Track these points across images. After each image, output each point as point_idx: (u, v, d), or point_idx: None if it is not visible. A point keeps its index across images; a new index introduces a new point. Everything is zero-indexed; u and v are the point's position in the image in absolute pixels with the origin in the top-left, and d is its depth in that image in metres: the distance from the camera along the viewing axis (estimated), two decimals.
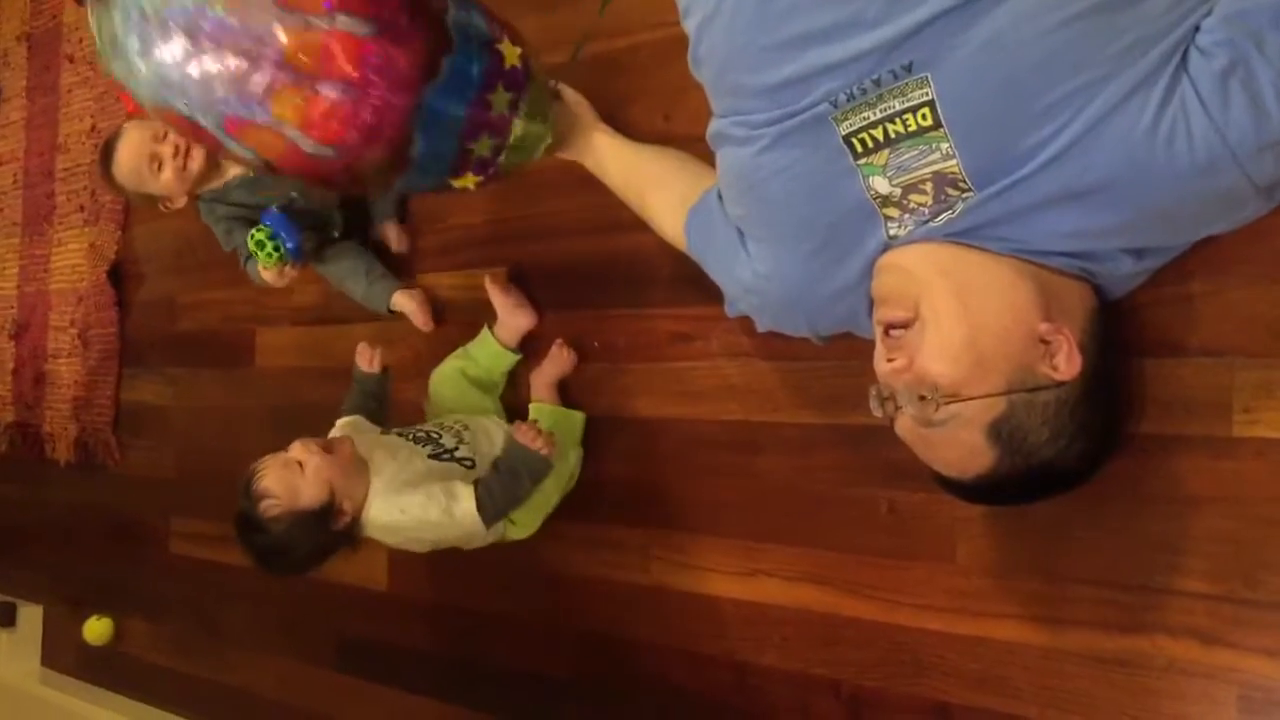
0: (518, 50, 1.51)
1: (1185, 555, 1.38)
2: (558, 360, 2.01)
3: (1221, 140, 1.09)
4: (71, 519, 3.31)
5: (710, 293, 1.65)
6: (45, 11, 3.54)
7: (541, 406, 1.99)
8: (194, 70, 1.29)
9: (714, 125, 1.44)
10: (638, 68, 1.93)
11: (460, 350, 2.12)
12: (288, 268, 2.16)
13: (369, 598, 2.40)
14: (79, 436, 3.23)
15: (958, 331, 1.23)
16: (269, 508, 1.75)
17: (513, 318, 2.06)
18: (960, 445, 1.25)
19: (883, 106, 1.22)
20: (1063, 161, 1.16)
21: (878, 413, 1.31)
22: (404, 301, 2.24)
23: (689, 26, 1.42)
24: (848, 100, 1.24)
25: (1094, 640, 1.45)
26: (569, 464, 1.97)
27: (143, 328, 3.10)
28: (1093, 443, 1.28)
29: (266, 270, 2.16)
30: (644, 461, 1.94)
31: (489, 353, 2.07)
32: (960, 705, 1.57)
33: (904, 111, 1.22)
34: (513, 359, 2.08)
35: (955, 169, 1.22)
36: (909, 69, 1.19)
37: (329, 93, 1.33)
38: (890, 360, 1.28)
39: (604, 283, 2.01)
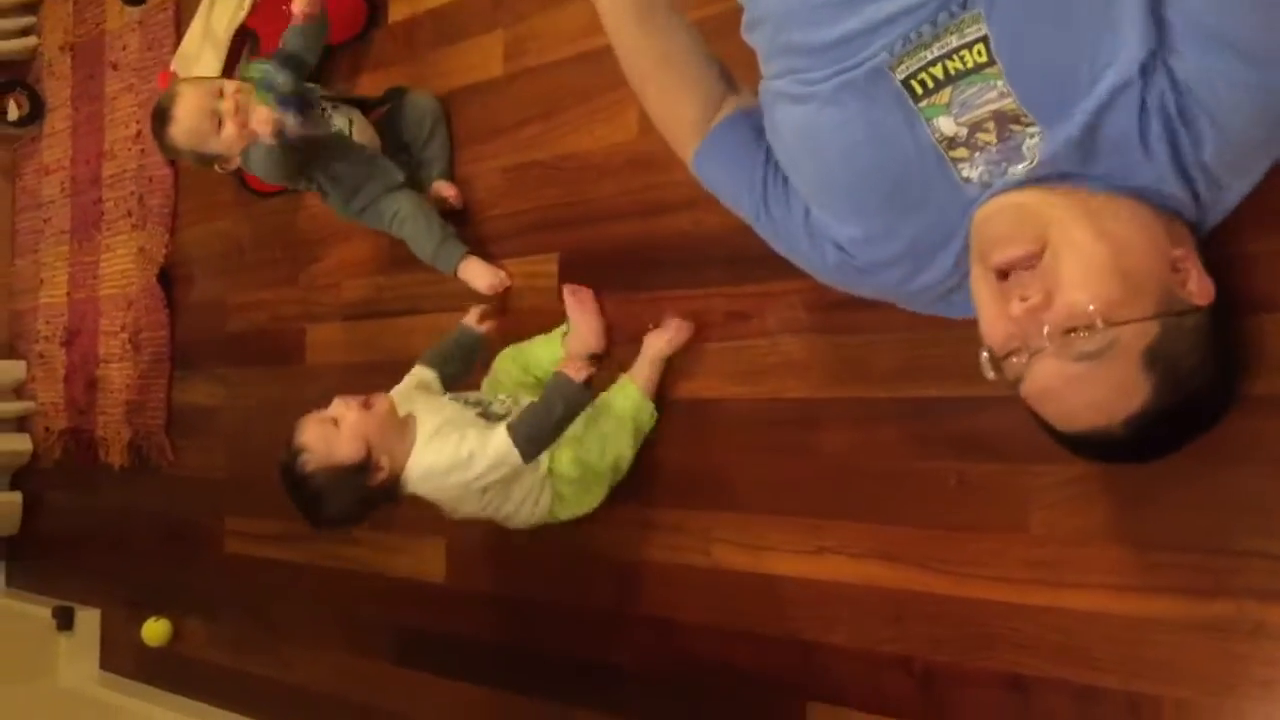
0: None
1: (1274, 517, 1.34)
2: (673, 330, 1.94)
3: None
4: (126, 522, 3.33)
5: (766, 269, 1.63)
6: (88, 20, 3.57)
7: (626, 383, 1.95)
8: None
9: (767, 87, 1.41)
10: None
11: (525, 344, 2.11)
12: (274, 110, 2.16)
13: (427, 590, 2.39)
14: (132, 440, 3.25)
15: (1100, 251, 1.17)
16: (305, 462, 1.80)
17: (586, 332, 2.03)
18: (1113, 381, 1.18)
19: (939, 44, 1.21)
20: (1126, 95, 1.13)
21: (991, 374, 1.24)
22: (476, 268, 2.21)
23: None
24: (904, 46, 1.22)
25: (1177, 607, 1.41)
26: (627, 450, 1.95)
27: (193, 329, 3.11)
28: (1231, 376, 1.27)
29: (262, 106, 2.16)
30: (703, 443, 1.92)
31: (553, 354, 2.06)
32: (1037, 677, 1.53)
33: (960, 48, 1.20)
34: None
35: (1013, 106, 1.20)
36: (964, 5, 1.18)
37: None
38: (1024, 299, 1.19)
39: (657, 265, 1.99)
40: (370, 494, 1.84)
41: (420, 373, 2.05)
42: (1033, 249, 1.19)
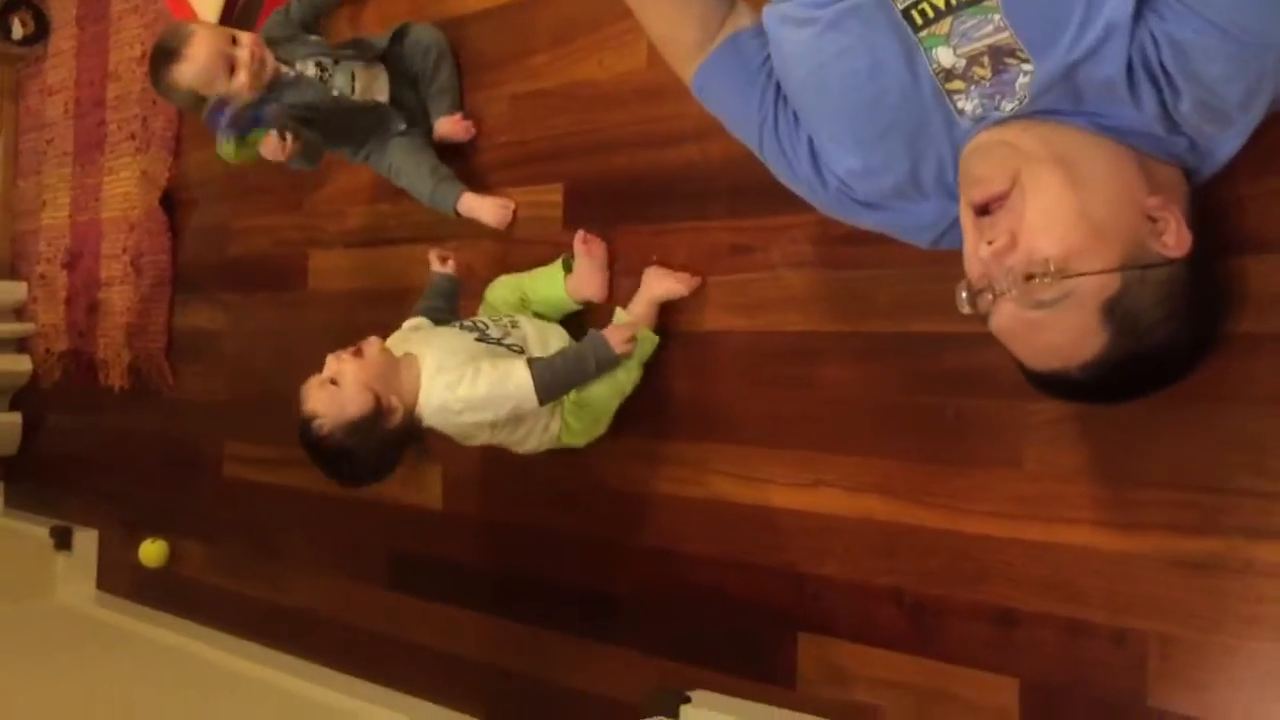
0: None
1: (1265, 455, 1.35)
2: (674, 279, 1.93)
3: None
4: (126, 444, 3.34)
5: (773, 202, 1.62)
6: None
7: (625, 317, 1.94)
8: None
9: (773, 10, 1.40)
10: None
11: (525, 274, 2.11)
12: (275, 140, 2.15)
13: (424, 516, 2.41)
14: (132, 363, 3.26)
15: (1067, 199, 1.17)
16: (319, 427, 1.80)
17: (589, 280, 2.02)
18: (1070, 328, 1.19)
19: None
20: (1112, 42, 1.13)
21: (965, 309, 1.25)
22: (474, 204, 2.21)
23: None
24: None
25: (1168, 543, 1.43)
26: (631, 375, 1.95)
27: (195, 254, 3.11)
28: (1200, 330, 1.25)
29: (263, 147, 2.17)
30: (703, 375, 1.93)
31: (553, 293, 2.05)
32: (1025, 611, 1.55)
33: None
34: (572, 309, 2.06)
35: (1009, 39, 1.19)
36: None
37: None
38: (990, 243, 1.20)
39: (662, 196, 1.98)
40: (392, 436, 1.84)
41: (408, 322, 2.06)
42: (1005, 188, 1.20)
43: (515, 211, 2.21)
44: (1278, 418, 1.35)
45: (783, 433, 1.82)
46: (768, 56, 1.44)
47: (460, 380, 1.81)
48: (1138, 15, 1.12)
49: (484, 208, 2.20)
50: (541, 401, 1.82)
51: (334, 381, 1.80)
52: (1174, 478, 1.42)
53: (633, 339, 1.87)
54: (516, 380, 1.80)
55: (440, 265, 2.16)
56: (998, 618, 1.58)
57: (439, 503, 2.39)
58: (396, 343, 1.96)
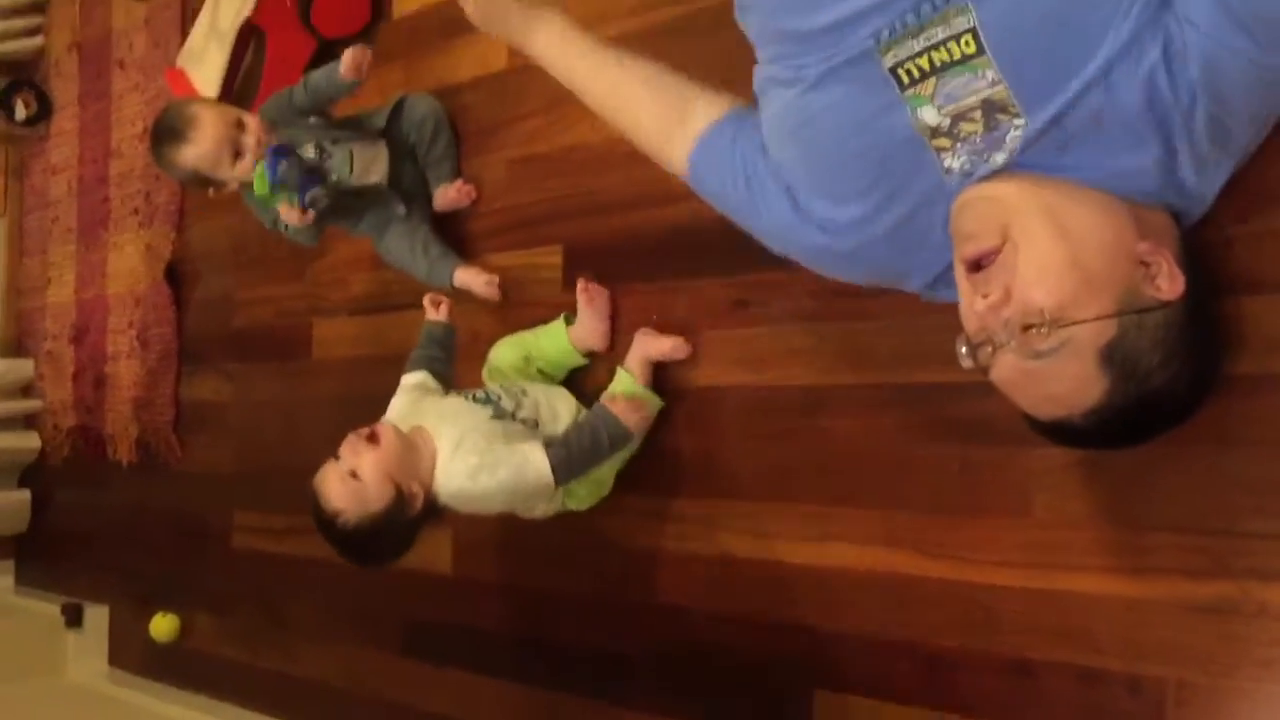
0: None
1: (1271, 497, 1.35)
2: (669, 344, 1.94)
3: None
4: (135, 519, 3.34)
5: (768, 257, 1.63)
6: (95, 19, 3.59)
7: (626, 377, 1.94)
8: None
9: (760, 72, 1.43)
10: (697, 32, 1.91)
11: (529, 332, 2.11)
12: (295, 205, 2.18)
13: (435, 581, 2.40)
14: (140, 436, 3.26)
15: (1058, 250, 1.18)
16: (345, 524, 1.78)
17: (592, 330, 2.03)
18: (1070, 376, 1.20)
19: (926, 36, 1.21)
20: (1110, 79, 1.14)
21: (967, 363, 1.25)
22: (467, 277, 2.23)
23: None
24: (890, 35, 1.23)
25: (1180, 588, 1.42)
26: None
27: (200, 326, 3.13)
28: (1201, 370, 1.26)
29: (285, 210, 2.19)
30: (708, 431, 1.93)
31: (558, 348, 2.05)
32: (1041, 661, 1.54)
33: (947, 39, 1.20)
34: (580, 362, 2.06)
35: (1004, 94, 1.20)
36: None
37: None
38: (985, 296, 1.22)
39: (660, 255, 2.00)
40: (415, 520, 1.83)
41: (410, 379, 2.05)
42: (995, 243, 1.22)
43: (509, 276, 2.24)
44: (1278, 459, 1.34)
45: (789, 487, 1.82)
46: (749, 129, 1.47)
47: (480, 468, 1.80)
48: (1138, 44, 1.13)
49: (475, 283, 2.23)
50: (559, 484, 1.82)
51: (354, 474, 1.78)
52: (1182, 521, 1.41)
53: (645, 412, 1.85)
54: (535, 466, 1.80)
55: (435, 312, 2.15)
56: (1013, 668, 1.57)
57: (449, 567, 2.38)
58: (405, 411, 1.96)
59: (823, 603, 1.78)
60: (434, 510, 1.85)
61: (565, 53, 1.63)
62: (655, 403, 1.93)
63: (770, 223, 1.49)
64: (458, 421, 1.86)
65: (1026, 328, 1.18)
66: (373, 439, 1.79)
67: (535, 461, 1.80)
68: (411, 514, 1.81)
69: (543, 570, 2.20)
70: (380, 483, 1.77)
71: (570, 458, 1.81)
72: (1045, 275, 1.18)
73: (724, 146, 1.50)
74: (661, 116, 1.56)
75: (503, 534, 2.24)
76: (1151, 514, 1.44)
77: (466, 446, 1.81)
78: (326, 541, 1.84)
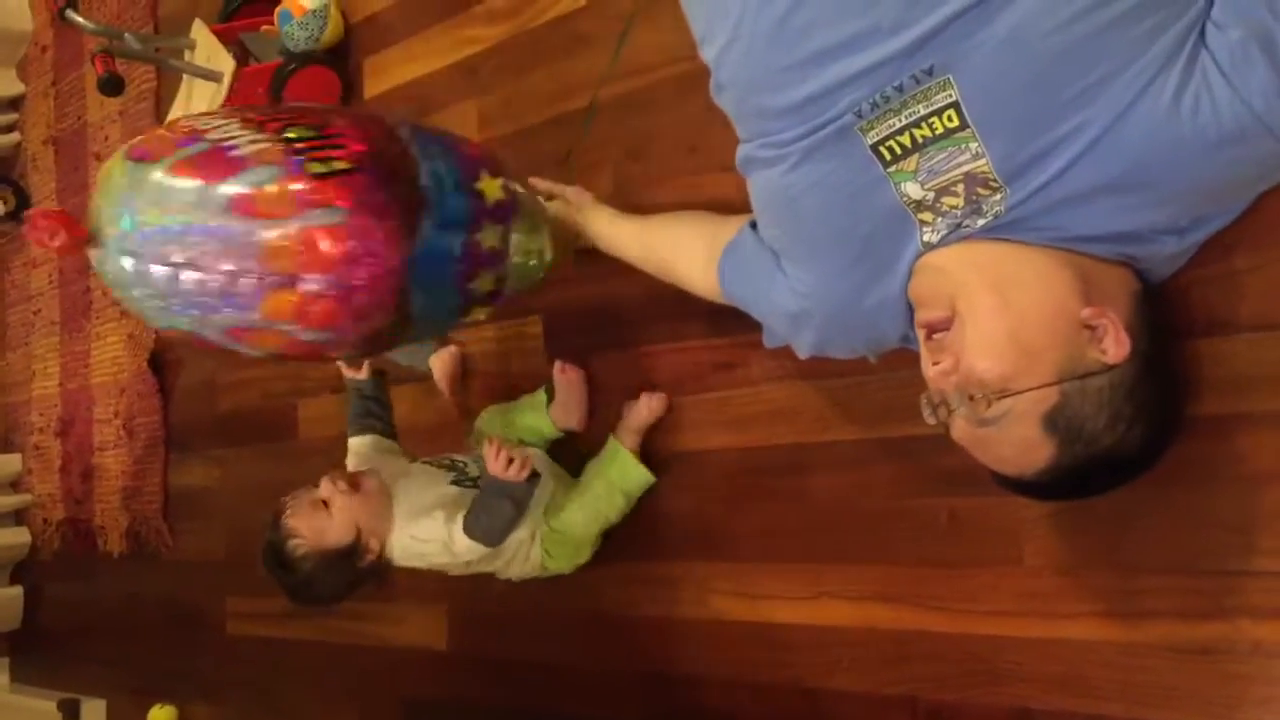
0: (498, 182, 1.55)
1: (1259, 535, 1.35)
2: (647, 408, 1.94)
3: (1247, 107, 1.08)
4: (128, 609, 3.32)
5: (749, 320, 1.64)
6: (70, 114, 3.62)
7: (618, 449, 1.94)
8: (186, 286, 1.37)
9: (742, 150, 1.44)
10: (659, 104, 1.94)
11: (511, 404, 2.12)
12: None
13: (430, 658, 2.38)
14: (130, 526, 3.25)
15: (998, 325, 1.21)
16: (296, 547, 1.81)
17: (570, 410, 2.03)
18: (1017, 441, 1.23)
19: (907, 112, 1.22)
20: (1094, 151, 1.15)
21: (930, 420, 1.29)
22: (436, 363, 2.30)
23: (707, 55, 1.41)
24: (871, 109, 1.24)
25: (1174, 630, 1.41)
26: (615, 506, 1.94)
27: (186, 412, 3.13)
28: (1153, 426, 1.26)
29: None
30: (696, 494, 1.93)
31: (537, 422, 2.06)
32: (1042, 710, 1.53)
33: (929, 115, 1.21)
34: (556, 436, 2.07)
35: (986, 168, 1.21)
36: (930, 72, 1.19)
37: (313, 286, 1.37)
38: (936, 363, 1.27)
39: (640, 320, 2.00)
40: (359, 574, 1.85)
41: (358, 442, 2.07)
42: (945, 315, 1.26)
43: (493, 349, 2.27)
44: (1258, 495, 1.35)
45: (779, 546, 1.82)
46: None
47: (423, 531, 1.84)
48: (1128, 112, 1.13)
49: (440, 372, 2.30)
50: (495, 544, 1.83)
51: (325, 503, 1.80)
52: (1171, 563, 1.41)
53: (512, 460, 1.76)
54: (460, 544, 1.82)
55: (355, 373, 2.10)
56: (1015, 717, 1.56)
57: (444, 643, 2.37)
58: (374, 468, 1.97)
59: (819, 661, 1.77)
60: (380, 570, 1.87)
61: (617, 230, 1.85)
62: (644, 479, 1.93)
63: (775, 304, 1.52)
64: (416, 489, 1.89)
65: (971, 397, 1.22)
66: (355, 486, 1.83)
67: (458, 540, 1.81)
68: (359, 564, 1.83)
69: (537, 642, 2.19)
70: (345, 523, 1.80)
71: (482, 525, 1.79)
72: (987, 349, 1.21)
73: (749, 243, 1.54)
74: (698, 248, 1.65)
75: (497, 607, 2.23)
76: (1140, 557, 1.44)
77: (416, 512, 1.85)
78: (268, 562, 1.84)
